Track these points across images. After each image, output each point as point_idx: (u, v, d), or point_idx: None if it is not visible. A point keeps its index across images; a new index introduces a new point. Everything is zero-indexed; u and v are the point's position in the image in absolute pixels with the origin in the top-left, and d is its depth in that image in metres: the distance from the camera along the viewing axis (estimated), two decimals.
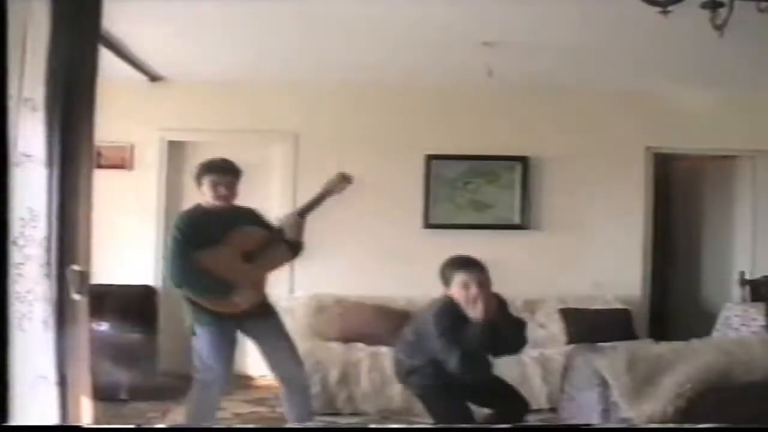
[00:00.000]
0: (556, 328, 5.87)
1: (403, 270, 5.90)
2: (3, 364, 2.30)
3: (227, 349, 4.07)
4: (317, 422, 4.36)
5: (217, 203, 4.06)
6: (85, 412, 2.60)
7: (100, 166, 5.50)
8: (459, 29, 4.56)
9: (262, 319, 4.11)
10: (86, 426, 2.61)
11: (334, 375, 5.14)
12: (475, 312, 3.60)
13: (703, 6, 3.06)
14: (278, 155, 6.31)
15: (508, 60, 5.08)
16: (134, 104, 5.96)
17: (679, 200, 7.38)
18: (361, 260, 6.06)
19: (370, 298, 5.86)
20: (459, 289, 3.68)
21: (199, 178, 4.10)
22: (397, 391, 5.06)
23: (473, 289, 3.64)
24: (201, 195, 4.11)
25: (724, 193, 6.93)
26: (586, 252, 6.26)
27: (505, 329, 3.71)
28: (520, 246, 6.25)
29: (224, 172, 4.08)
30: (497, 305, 3.70)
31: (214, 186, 4.04)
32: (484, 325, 3.57)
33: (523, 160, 6.33)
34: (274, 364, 4.14)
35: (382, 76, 5.91)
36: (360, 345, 5.46)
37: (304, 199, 4.20)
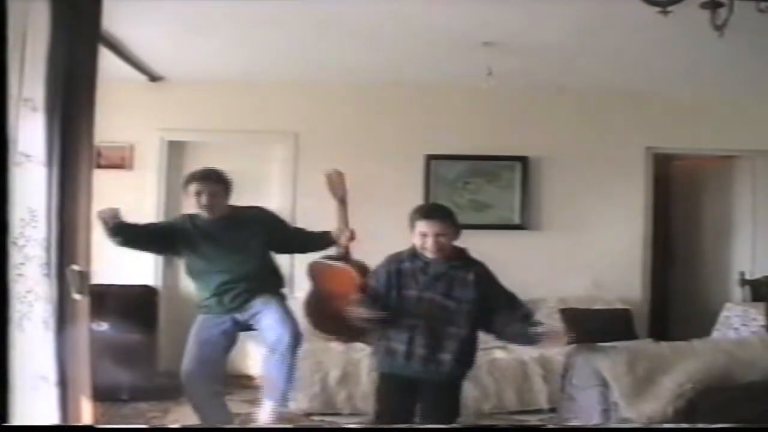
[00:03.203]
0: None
1: None
2: (3, 364, 2.30)
3: (202, 344, 4.04)
4: (317, 422, 4.35)
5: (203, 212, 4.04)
6: (85, 413, 2.60)
7: (100, 166, 5.52)
8: (459, 29, 4.56)
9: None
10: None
11: (334, 375, 5.14)
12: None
13: (703, 6, 3.06)
14: (278, 155, 6.30)
15: (508, 60, 5.07)
16: (134, 104, 5.96)
17: (679, 200, 7.37)
18: (361, 260, 6.05)
19: None
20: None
21: (185, 186, 4.08)
22: None
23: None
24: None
25: (724, 193, 6.92)
26: (586, 252, 6.25)
27: None
28: (520, 246, 6.24)
29: (204, 180, 3.99)
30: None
31: (198, 195, 4.01)
32: None
33: (523, 160, 6.32)
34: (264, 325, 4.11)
35: (382, 76, 5.91)
36: (360, 345, 5.44)
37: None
